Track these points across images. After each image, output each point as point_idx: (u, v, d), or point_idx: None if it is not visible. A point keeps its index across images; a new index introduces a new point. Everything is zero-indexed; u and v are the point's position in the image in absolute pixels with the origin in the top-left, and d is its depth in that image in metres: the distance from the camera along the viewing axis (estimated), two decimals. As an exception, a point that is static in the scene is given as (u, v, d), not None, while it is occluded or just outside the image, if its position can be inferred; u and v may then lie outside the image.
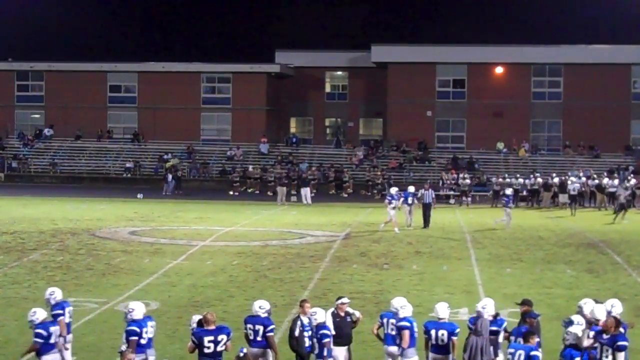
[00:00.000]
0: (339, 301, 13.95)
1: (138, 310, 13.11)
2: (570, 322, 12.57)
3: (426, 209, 35.82)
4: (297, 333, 13.40)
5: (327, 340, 13.03)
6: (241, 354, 12.31)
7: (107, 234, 32.30)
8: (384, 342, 13.70)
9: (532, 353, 12.01)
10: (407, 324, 13.30)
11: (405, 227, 34.70)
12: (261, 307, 13.46)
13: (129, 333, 12.91)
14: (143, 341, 12.98)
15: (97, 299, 20.61)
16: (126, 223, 35.86)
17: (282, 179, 49.51)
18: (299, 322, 13.52)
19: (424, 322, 13.88)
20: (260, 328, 13.31)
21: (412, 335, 13.32)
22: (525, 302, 14.02)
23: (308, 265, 25.76)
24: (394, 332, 13.52)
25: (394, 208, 33.51)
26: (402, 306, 13.49)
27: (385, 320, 13.66)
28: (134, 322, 13.01)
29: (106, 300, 20.46)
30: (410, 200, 35.34)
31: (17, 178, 58.94)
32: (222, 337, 12.71)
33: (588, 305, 13.44)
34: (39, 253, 27.38)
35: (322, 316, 13.32)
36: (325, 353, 13.04)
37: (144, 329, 13.01)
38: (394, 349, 13.54)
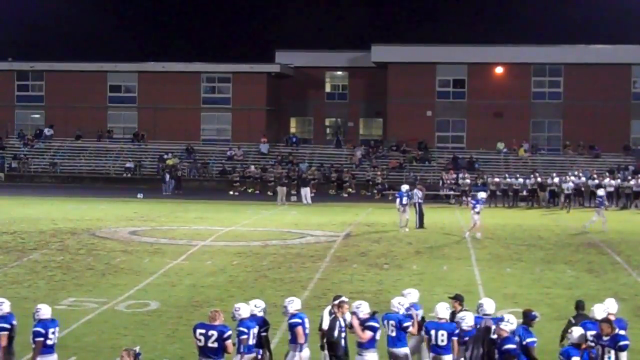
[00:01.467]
0: (337, 300, 13.97)
1: (45, 310, 13.21)
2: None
3: (419, 209, 35.33)
4: (336, 334, 13.31)
5: (244, 337, 13.01)
6: (259, 356, 12.33)
7: (107, 233, 32.30)
8: (387, 343, 13.68)
9: None
10: (299, 320, 13.36)
11: (399, 229, 34.24)
12: (257, 305, 13.53)
13: (35, 334, 12.98)
14: (49, 342, 13.02)
15: (97, 298, 20.61)
16: (126, 223, 35.86)
17: (282, 179, 49.49)
18: (337, 324, 13.42)
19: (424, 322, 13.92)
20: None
21: (304, 331, 13.37)
22: (456, 297, 14.25)
23: (308, 265, 25.76)
24: (394, 334, 13.50)
25: (478, 212, 31.99)
26: (290, 301, 13.62)
27: (386, 322, 13.64)
28: (40, 322, 13.07)
29: (106, 300, 20.46)
30: (405, 200, 34.68)
31: (17, 178, 58.94)
32: (212, 333, 12.73)
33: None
34: (39, 253, 27.38)
35: (246, 312, 13.23)
36: (241, 349, 13.04)
37: (50, 330, 13.06)
38: (396, 350, 13.54)
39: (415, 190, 36.12)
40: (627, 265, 26.40)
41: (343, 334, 13.42)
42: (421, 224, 35.13)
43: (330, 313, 13.76)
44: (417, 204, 35.43)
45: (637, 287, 23.07)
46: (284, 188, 47.50)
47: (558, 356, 12.29)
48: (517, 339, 12.92)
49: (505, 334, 12.60)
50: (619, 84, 60.20)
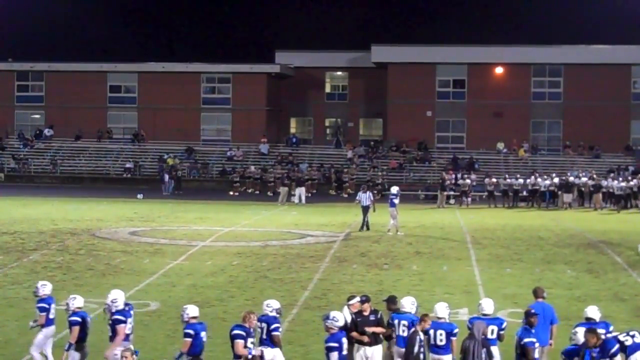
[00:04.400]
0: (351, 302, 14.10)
1: None
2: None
3: (364, 212, 34.28)
4: (416, 349, 12.81)
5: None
6: (249, 356, 12.35)
7: (107, 234, 32.29)
8: (395, 343, 13.65)
9: None
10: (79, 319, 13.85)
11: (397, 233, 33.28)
12: (268, 305, 13.66)
13: None
14: None
15: (97, 299, 20.56)
16: (126, 223, 35.86)
17: (283, 179, 49.46)
18: (418, 338, 12.91)
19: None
20: (265, 325, 13.46)
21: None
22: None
23: (308, 265, 25.77)
24: (405, 334, 13.43)
25: None
26: (72, 298, 14.08)
27: (396, 321, 13.63)
28: None
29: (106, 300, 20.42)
30: (396, 201, 33.61)
31: (17, 178, 58.92)
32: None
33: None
34: (39, 253, 27.37)
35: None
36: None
37: None
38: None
39: (361, 193, 34.93)
40: (627, 265, 26.40)
41: (422, 349, 12.89)
42: (365, 227, 34.15)
43: (352, 313, 13.82)
44: (364, 207, 34.30)
45: (637, 287, 23.07)
46: (286, 188, 47.50)
47: (560, 355, 12.29)
48: (516, 338, 12.95)
49: (333, 331, 12.71)
50: (619, 84, 60.18)
